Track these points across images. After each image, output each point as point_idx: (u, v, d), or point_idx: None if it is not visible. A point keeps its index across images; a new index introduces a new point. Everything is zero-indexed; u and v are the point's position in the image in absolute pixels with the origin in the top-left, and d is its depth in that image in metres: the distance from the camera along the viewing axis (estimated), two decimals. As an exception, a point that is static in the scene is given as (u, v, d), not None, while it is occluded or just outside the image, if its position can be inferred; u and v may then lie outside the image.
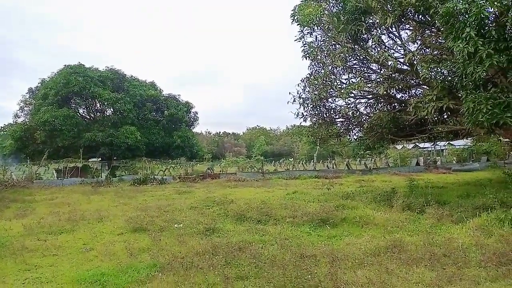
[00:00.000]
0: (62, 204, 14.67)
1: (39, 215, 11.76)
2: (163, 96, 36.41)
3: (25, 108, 35.85)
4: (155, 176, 26.82)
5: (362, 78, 13.73)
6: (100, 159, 33.50)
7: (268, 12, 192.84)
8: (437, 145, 36.06)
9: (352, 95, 13.72)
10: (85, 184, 24.08)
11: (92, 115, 34.64)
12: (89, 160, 33.91)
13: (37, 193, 18.94)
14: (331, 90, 14.15)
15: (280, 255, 6.32)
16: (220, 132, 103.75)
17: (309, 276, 5.16)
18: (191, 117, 38.74)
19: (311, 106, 14.59)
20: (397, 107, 14.52)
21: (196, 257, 6.33)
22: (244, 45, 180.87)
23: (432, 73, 11.91)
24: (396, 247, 6.45)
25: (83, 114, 34.41)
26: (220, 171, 32.66)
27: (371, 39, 12.38)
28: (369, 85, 13.71)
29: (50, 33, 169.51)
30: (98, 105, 33.87)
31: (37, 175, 27.69)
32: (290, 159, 47.58)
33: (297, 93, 14.58)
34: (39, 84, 34.68)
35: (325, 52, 14.30)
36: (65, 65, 32.87)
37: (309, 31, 14.64)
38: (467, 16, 8.20)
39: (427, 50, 12.40)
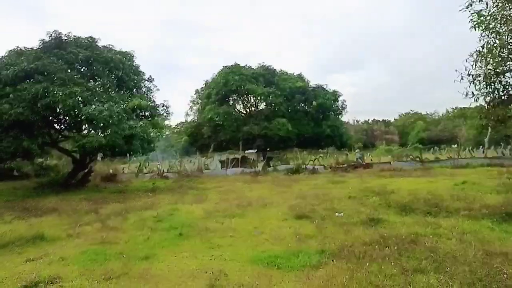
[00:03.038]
0: (229, 191, 16.28)
1: (213, 201, 13.33)
2: (310, 87, 36.97)
3: (194, 108, 41.29)
4: (307, 166, 27.51)
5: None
6: (256, 150, 36.17)
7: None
8: None
9: (540, 66, 11.40)
10: (244, 173, 26.29)
11: (248, 110, 37.61)
12: (247, 151, 36.90)
13: (207, 182, 21.52)
14: (510, 63, 12.08)
15: (461, 251, 5.71)
16: (369, 120, 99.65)
17: (503, 275, 4.50)
18: (339, 106, 38.28)
19: (484, 83, 12.69)
20: None
21: (365, 246, 6.23)
22: (391, 23, 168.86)
23: None
24: None
25: (240, 110, 37.75)
26: (371, 160, 31.46)
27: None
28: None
29: (206, 38, 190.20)
30: (253, 100, 36.62)
31: (206, 166, 31.62)
32: (453, 146, 42.51)
33: (466, 70, 12.85)
34: (203, 85, 39.40)
35: (500, 19, 12.23)
36: (223, 66, 36.57)
37: (478, -3, 12.77)
38: None
39: None
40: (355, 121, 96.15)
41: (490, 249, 5.77)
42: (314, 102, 35.00)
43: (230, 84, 33.26)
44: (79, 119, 15.94)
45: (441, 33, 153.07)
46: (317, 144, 37.39)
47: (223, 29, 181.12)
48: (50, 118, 17.05)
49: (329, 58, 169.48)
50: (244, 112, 37.77)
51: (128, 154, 19.86)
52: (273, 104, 34.07)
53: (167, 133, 61.76)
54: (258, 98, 34.93)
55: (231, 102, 36.25)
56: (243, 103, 37.57)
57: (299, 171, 25.10)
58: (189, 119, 41.36)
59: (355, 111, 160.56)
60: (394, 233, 7.07)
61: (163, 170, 28.97)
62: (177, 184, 20.42)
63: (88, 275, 5.75)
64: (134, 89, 19.84)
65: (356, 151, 36.40)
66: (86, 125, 17.15)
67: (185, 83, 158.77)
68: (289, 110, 34.96)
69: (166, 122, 27.88)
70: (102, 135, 16.12)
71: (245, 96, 35.79)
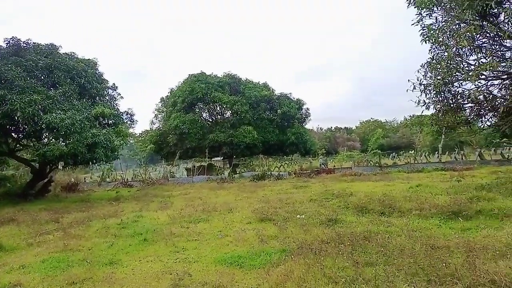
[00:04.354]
0: (195, 198, 16.35)
1: (179, 207, 13.38)
2: (275, 96, 37.71)
3: (159, 116, 40.86)
4: (272, 172, 27.99)
5: (494, 57, 12.33)
6: (222, 158, 36.33)
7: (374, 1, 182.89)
8: None
9: (483, 76, 12.40)
10: (211, 180, 26.41)
11: (214, 118, 37.80)
12: (213, 159, 36.97)
13: (173, 189, 21.43)
14: (457, 73, 13.03)
15: (408, 245, 6.20)
16: (331, 127, 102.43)
17: (443, 265, 5.00)
18: (303, 114, 39.25)
19: (434, 92, 13.62)
20: (540, 87, 12.67)
21: (322, 244, 6.62)
22: (351, 37, 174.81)
23: None
24: (546, 240, 5.77)
25: (206, 118, 37.90)
26: (334, 166, 32.45)
27: (503, 13, 11.08)
28: (503, 64, 12.24)
29: (171, 47, 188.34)
30: (218, 108, 36.90)
31: (171, 173, 31.43)
32: (410, 152, 44.55)
33: (417, 80, 13.77)
34: (169, 93, 39.18)
35: (448, 33, 13.21)
36: (189, 74, 36.68)
37: (427, 12, 13.74)
38: None
39: None
40: (319, 128, 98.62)
41: (435, 243, 6.28)
42: (279, 110, 35.69)
43: (196, 92, 33.40)
44: (39, 128, 15.53)
45: (399, 45, 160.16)
46: (282, 151, 38.10)
47: (189, 38, 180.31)
48: (8, 126, 16.47)
49: (295, 69, 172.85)
50: (210, 120, 37.92)
51: (90, 163, 19.47)
52: (239, 112, 34.45)
53: (131, 141, 60.55)
54: (224, 106, 35.25)
55: (197, 110, 36.31)
56: (209, 111, 37.75)
57: (265, 177, 25.53)
58: (154, 127, 40.92)
59: (320, 119, 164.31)
60: (349, 231, 7.53)
61: (127, 179, 28.54)
62: (142, 192, 20.25)
63: (51, 281, 5.76)
64: (97, 97, 19.54)
65: (320, 157, 37.36)
66: (47, 134, 16.73)
67: (150, 91, 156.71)
68: (255, 118, 35.45)
69: (131, 130, 27.67)
70: (64, 143, 15.80)
71: (211, 104, 35.98)
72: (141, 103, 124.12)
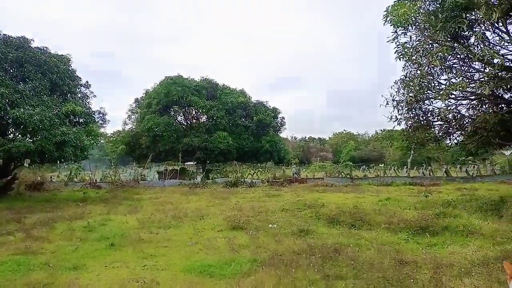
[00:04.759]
0: (166, 202, 16.06)
1: (148, 212, 13.10)
2: (252, 103, 37.70)
3: (132, 117, 40.01)
4: (245, 179, 27.92)
5: (464, 78, 12.83)
6: (195, 162, 35.92)
7: (355, 15, 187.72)
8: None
9: (453, 96, 12.86)
10: (183, 185, 26.06)
11: (189, 122, 37.39)
12: (186, 163, 36.49)
13: (143, 193, 21.01)
14: (429, 91, 13.45)
15: (378, 259, 6.30)
16: (305, 137, 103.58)
17: (411, 280, 5.09)
18: (278, 122, 39.44)
19: (406, 108, 14.00)
20: (504, 108, 13.26)
21: (293, 255, 6.62)
22: (329, 49, 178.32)
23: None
24: (508, 258, 5.96)
25: (181, 121, 37.44)
26: (306, 176, 32.73)
27: (474, 36, 11.57)
28: (472, 85, 12.74)
29: (151, 48, 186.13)
30: (194, 112, 36.58)
31: (142, 176, 30.78)
32: (380, 165, 45.60)
33: (390, 96, 14.11)
34: (144, 95, 38.48)
35: (421, 52, 13.64)
36: (165, 76, 36.14)
37: (403, 31, 14.11)
38: None
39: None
40: (293, 138, 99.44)
41: (403, 258, 6.41)
42: (254, 118, 35.72)
43: (172, 94, 32.94)
44: (5, 123, 14.89)
45: (374, 60, 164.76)
46: (256, 159, 38.09)
47: (167, 41, 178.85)
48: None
49: (272, 77, 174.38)
50: (185, 123, 37.49)
51: (58, 162, 18.81)
52: (214, 117, 34.24)
53: (102, 141, 58.93)
54: (200, 110, 34.97)
55: (172, 113, 35.82)
56: (184, 115, 37.34)
57: (238, 184, 25.43)
58: (127, 128, 40.00)
59: (294, 128, 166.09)
60: (320, 243, 7.58)
61: (95, 180, 27.74)
62: (111, 194, 19.70)
63: (9, 286, 5.47)
64: (69, 94, 18.94)
65: (293, 166, 37.61)
66: (13, 129, 16.06)
67: (124, 91, 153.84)
68: (230, 124, 35.31)
69: (102, 130, 26.97)
70: (31, 140, 15.19)
71: (186, 107, 35.62)
72: (114, 103, 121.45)
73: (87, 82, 20.40)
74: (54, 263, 6.68)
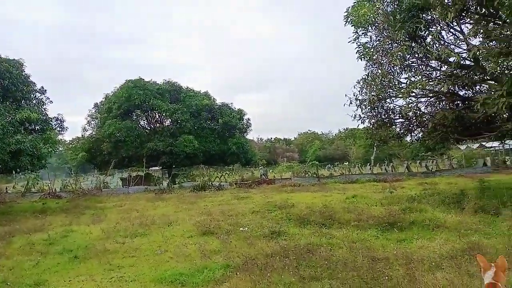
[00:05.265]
0: (131, 210, 15.54)
1: (113, 221, 12.59)
2: (217, 105, 37.36)
3: (92, 122, 38.45)
4: (213, 183, 27.63)
5: (422, 77, 13.30)
6: (161, 167, 35.14)
7: (317, 16, 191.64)
8: (506, 144, 33.61)
9: (413, 94, 13.30)
10: (148, 191, 25.39)
11: (152, 126, 36.45)
12: (151, 168, 35.64)
13: (106, 201, 20.24)
14: (390, 90, 13.84)
15: (351, 258, 6.32)
16: (271, 138, 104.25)
17: (386, 278, 5.12)
18: (244, 124, 39.27)
19: (369, 107, 14.33)
20: (460, 105, 13.88)
21: (267, 258, 6.53)
22: (292, 50, 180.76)
23: (501, 67, 11.32)
24: (474, 250, 6.18)
25: (144, 126, 36.43)
26: (274, 177, 32.88)
27: (430, 35, 12.01)
28: (430, 83, 13.23)
29: (110, 50, 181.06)
30: (158, 116, 35.72)
31: (105, 184, 29.71)
32: (345, 163, 46.67)
33: (354, 95, 14.39)
34: (103, 99, 37.16)
35: (382, 51, 14.02)
36: (126, 80, 35.06)
37: (363, 31, 14.45)
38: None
39: (492, 43, 11.76)
40: (259, 139, 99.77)
41: (375, 255, 6.48)
42: (220, 120, 35.43)
43: (133, 98, 31.97)
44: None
45: (336, 61, 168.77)
46: (223, 161, 37.79)
47: (128, 43, 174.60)
48: None
49: (236, 79, 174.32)
50: (149, 128, 36.53)
51: (14, 172, 17.82)
52: (179, 121, 33.61)
53: (60, 148, 56.50)
54: (164, 114, 34.20)
55: (134, 117, 34.77)
56: (147, 119, 36.37)
57: (205, 188, 25.12)
58: (87, 134, 38.38)
59: (260, 130, 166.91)
60: (293, 244, 7.54)
61: (55, 189, 26.45)
62: (72, 204, 18.80)
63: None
64: (23, 101, 18.04)
65: (260, 168, 37.71)
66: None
67: (84, 96, 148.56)
68: (196, 127, 34.81)
69: (60, 137, 25.86)
70: (-18, 150, 14.25)
71: (149, 111, 34.74)
72: (74, 108, 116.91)
73: (42, 87, 19.51)
74: (12, 280, 6.26)
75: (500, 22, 10.81)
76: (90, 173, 40.31)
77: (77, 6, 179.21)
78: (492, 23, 11.53)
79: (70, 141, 61.42)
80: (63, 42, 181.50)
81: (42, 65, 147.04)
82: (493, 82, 11.86)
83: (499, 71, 11.16)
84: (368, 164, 44.39)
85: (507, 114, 13.04)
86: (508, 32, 10.27)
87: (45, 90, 19.63)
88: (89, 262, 7.48)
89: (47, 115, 19.11)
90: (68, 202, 20.22)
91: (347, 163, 47.66)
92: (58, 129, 20.03)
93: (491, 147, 38.42)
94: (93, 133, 37.12)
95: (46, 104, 19.51)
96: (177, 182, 30.86)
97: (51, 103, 19.90)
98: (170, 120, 35.10)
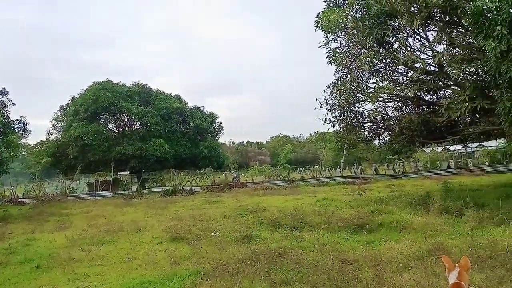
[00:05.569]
0: (98, 216, 15.10)
1: (79, 227, 12.18)
2: (188, 108, 36.95)
3: (57, 125, 36.98)
4: (184, 187, 27.26)
5: (390, 82, 13.68)
6: (130, 172, 34.30)
7: (288, 21, 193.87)
8: (468, 147, 35.11)
9: (381, 98, 13.63)
10: (116, 196, 24.77)
11: (121, 129, 35.49)
12: (119, 173, 34.74)
13: (72, 207, 19.56)
14: (359, 94, 14.14)
15: (321, 261, 6.36)
16: (243, 142, 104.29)
17: (355, 280, 5.18)
18: (216, 128, 39.07)
19: (339, 111, 14.57)
20: (425, 109, 14.36)
21: (238, 263, 6.46)
22: (264, 54, 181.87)
23: (463, 73, 11.81)
24: (439, 250, 6.36)
25: (112, 129, 35.43)
26: (246, 180, 32.84)
27: (398, 42, 12.35)
28: (397, 88, 13.61)
29: (76, 51, 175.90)
30: (126, 119, 34.86)
31: (71, 189, 28.69)
32: (316, 166, 47.28)
33: (324, 99, 14.60)
34: (70, 101, 35.91)
35: (351, 57, 14.32)
36: (94, 82, 34.08)
37: (333, 37, 14.72)
38: (497, 14, 8.10)
39: (455, 50, 12.25)
40: (231, 142, 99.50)
41: (345, 257, 6.56)
42: (191, 123, 35.03)
43: (101, 101, 31.01)
44: None
45: (307, 65, 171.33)
46: (194, 165, 37.38)
47: (95, 44, 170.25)
48: None
49: (207, 82, 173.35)
50: (117, 131, 35.54)
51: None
52: (149, 124, 32.97)
53: (23, 153, 54.10)
54: (133, 117, 33.43)
55: (102, 120, 33.78)
56: (116, 122, 35.40)
57: (176, 192, 24.74)
58: (52, 137, 36.87)
59: (231, 133, 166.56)
60: (264, 248, 7.52)
61: (17, 195, 25.28)
62: (35, 211, 18.06)
63: None
64: (-18, 103, 17.15)
65: (232, 171, 37.55)
66: None
67: (49, 98, 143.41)
68: (166, 131, 34.26)
69: (23, 141, 24.85)
70: None
71: (118, 114, 33.86)
72: (38, 111, 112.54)
73: (4, 88, 18.70)
74: (-33, 294, 5.88)
75: (463, 30, 11.30)
76: (55, 178, 38.79)
77: (42, 7, 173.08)
78: (455, 31, 12.04)
79: (34, 145, 58.90)
80: (27, 43, 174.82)
81: (3, 65, 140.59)
82: (456, 87, 12.33)
83: (462, 77, 11.66)
84: (338, 167, 45.21)
85: (469, 118, 13.64)
86: (470, 40, 10.74)
87: (7, 91, 18.84)
88: (52, 271, 7.20)
89: (9, 117, 18.33)
90: (31, 208, 19.42)
91: (318, 166, 48.28)
92: (21, 132, 19.26)
93: (455, 150, 40.03)
94: (59, 136, 35.72)
95: (8, 106, 18.71)
96: (146, 187, 30.24)
97: (13, 105, 19.11)
98: (139, 123, 34.42)
